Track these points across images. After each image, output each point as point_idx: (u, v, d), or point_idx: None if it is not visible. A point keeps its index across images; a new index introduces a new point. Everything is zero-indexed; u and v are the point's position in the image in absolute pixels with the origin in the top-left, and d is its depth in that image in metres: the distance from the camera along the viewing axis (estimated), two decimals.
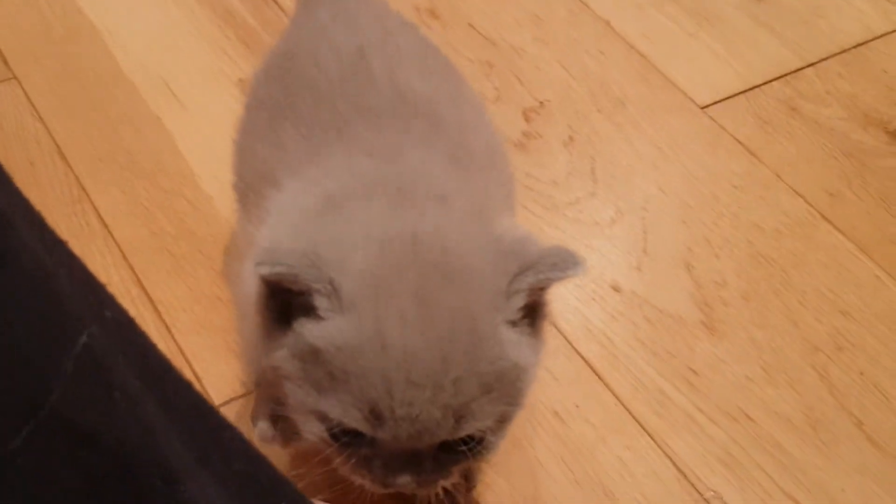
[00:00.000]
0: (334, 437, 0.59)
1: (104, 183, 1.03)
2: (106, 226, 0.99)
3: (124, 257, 0.97)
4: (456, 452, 0.59)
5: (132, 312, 0.45)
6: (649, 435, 0.87)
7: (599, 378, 0.90)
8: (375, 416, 0.56)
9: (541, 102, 1.15)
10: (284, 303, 0.59)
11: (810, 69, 1.20)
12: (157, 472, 0.40)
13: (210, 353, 0.91)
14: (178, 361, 0.89)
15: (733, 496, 0.83)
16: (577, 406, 0.88)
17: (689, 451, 0.86)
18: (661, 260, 1.00)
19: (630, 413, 0.88)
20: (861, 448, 0.86)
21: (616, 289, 0.97)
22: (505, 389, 0.58)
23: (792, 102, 1.16)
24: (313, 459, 0.65)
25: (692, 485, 0.84)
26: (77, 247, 0.44)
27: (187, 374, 0.90)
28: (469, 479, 0.82)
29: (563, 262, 0.59)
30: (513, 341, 0.59)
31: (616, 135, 1.12)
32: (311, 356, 0.57)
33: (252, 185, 0.74)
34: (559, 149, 1.11)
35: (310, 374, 0.58)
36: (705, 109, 1.15)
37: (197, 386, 0.89)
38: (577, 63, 1.20)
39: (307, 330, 0.57)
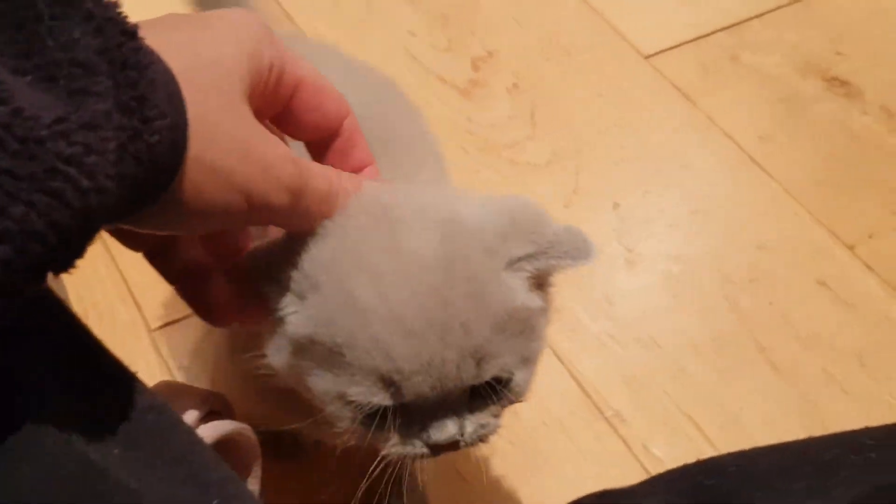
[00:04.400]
0: (364, 422, 0.53)
1: None
2: None
3: None
4: (488, 398, 0.54)
5: None
6: (558, 357, 0.91)
7: None
8: (388, 383, 0.51)
9: (490, 52, 1.19)
10: None
11: (756, 20, 1.22)
12: None
13: (150, 278, 0.96)
14: (120, 289, 0.95)
15: (634, 414, 0.87)
16: None
17: (595, 373, 0.90)
18: (590, 199, 1.04)
19: None
20: (761, 372, 0.90)
21: None
22: (518, 327, 0.53)
23: (734, 51, 1.19)
24: None
25: (595, 404, 0.88)
26: None
27: (128, 300, 0.96)
28: None
29: (577, 251, 0.53)
30: (517, 286, 0.53)
31: (559, 83, 1.16)
32: (309, 344, 0.52)
33: None
34: (502, 95, 1.15)
35: (318, 359, 0.53)
36: (649, 59, 1.18)
37: (135, 311, 0.94)
38: (531, 15, 1.24)
39: (290, 327, 0.52)
